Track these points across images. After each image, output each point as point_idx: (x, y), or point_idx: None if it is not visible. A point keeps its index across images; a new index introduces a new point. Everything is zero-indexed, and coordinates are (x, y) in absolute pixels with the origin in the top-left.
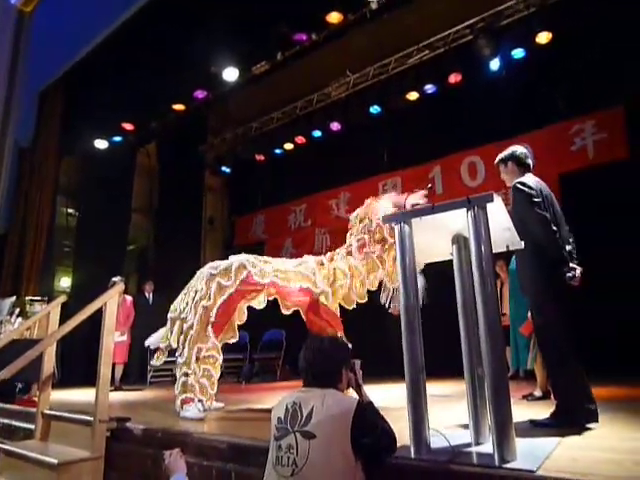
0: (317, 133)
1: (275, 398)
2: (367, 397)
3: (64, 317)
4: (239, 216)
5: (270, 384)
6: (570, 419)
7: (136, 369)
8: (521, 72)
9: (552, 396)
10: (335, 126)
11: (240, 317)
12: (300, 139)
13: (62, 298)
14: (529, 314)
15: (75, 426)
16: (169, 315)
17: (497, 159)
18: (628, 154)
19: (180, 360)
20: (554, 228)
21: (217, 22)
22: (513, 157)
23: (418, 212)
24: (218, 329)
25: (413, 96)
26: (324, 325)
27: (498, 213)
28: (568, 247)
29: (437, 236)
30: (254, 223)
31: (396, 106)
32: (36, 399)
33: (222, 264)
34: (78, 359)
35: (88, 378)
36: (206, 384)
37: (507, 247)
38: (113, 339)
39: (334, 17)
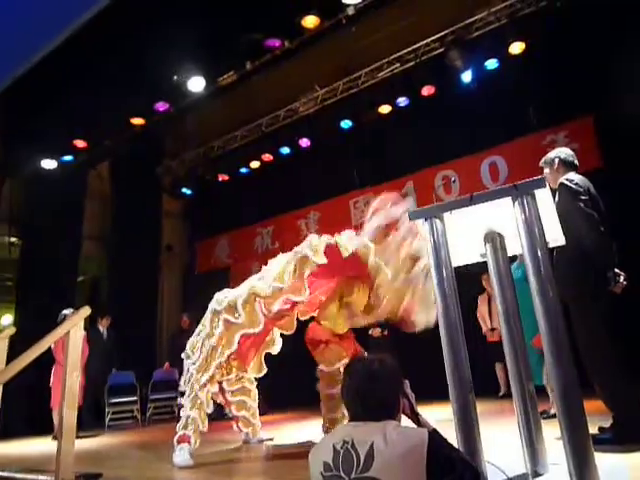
0: (285, 150)
1: (265, 434)
2: (429, 425)
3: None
4: (200, 241)
5: None
6: (631, 432)
7: (91, 413)
8: (494, 83)
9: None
10: (304, 142)
11: (271, 347)
12: (267, 157)
13: (10, 330)
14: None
15: None
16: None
17: (542, 160)
18: (601, 163)
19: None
20: (601, 228)
21: (181, 27)
22: (559, 157)
23: (452, 204)
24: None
25: (385, 109)
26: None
27: (542, 202)
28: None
29: (467, 234)
30: (217, 247)
31: (367, 120)
32: None
33: (228, 296)
34: (17, 404)
35: (30, 427)
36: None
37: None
38: (79, 376)
39: (310, 21)
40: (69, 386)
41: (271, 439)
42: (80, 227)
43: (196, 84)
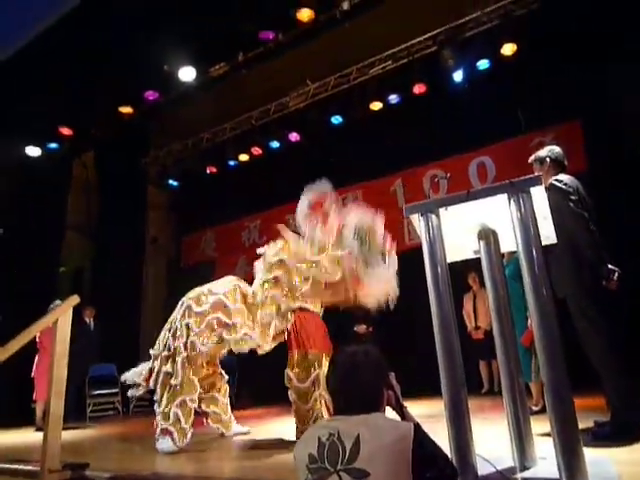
0: (274, 144)
1: (240, 428)
2: (413, 418)
3: None
4: (186, 234)
5: None
6: (630, 427)
7: (72, 405)
8: (485, 84)
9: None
10: (293, 137)
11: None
12: (256, 150)
13: None
14: (529, 323)
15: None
16: (151, 352)
17: (532, 157)
18: (586, 166)
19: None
20: (592, 227)
21: (175, 15)
22: (550, 156)
23: (448, 200)
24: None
25: (376, 106)
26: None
27: (536, 200)
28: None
29: (461, 231)
30: (203, 241)
31: (358, 116)
32: None
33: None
34: None
35: (10, 418)
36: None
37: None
38: (66, 365)
39: (305, 14)
40: (56, 376)
41: (246, 432)
42: (63, 217)
43: (187, 74)
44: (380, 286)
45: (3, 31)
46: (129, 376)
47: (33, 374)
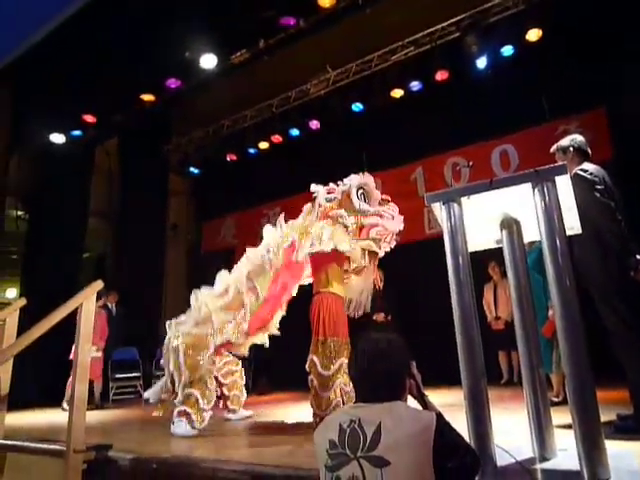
0: (295, 132)
1: (264, 412)
2: (435, 407)
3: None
4: (206, 221)
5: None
6: None
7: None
8: (510, 70)
9: None
10: (314, 124)
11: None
12: (276, 138)
13: (21, 301)
14: (550, 313)
15: (39, 458)
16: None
17: (555, 147)
18: (611, 154)
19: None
20: (618, 217)
21: (195, 2)
22: (573, 145)
23: (471, 189)
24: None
25: (397, 93)
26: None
27: (561, 189)
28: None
29: (483, 220)
30: (223, 228)
31: (379, 104)
32: None
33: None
34: (30, 374)
35: (42, 397)
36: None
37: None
38: (90, 349)
39: (326, 0)
40: (80, 359)
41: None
42: (86, 203)
43: (208, 61)
44: (390, 226)
45: (26, 21)
46: (151, 394)
47: (72, 356)
